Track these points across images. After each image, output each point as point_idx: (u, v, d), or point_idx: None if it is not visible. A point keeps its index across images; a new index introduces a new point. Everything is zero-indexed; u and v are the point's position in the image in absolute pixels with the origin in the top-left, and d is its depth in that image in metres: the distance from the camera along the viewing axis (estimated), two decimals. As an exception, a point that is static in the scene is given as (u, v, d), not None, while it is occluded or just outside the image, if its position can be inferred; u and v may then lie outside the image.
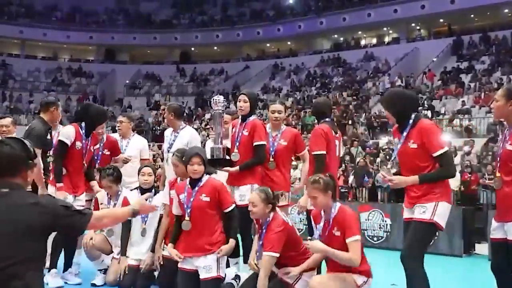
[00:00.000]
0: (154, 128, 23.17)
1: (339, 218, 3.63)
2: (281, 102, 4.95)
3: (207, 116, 24.40)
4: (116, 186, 4.91)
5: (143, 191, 4.77)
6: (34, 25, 34.18)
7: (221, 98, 4.72)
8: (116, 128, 6.08)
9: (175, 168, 4.43)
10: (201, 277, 4.05)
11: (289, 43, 34.99)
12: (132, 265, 4.77)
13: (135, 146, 5.87)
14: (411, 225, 3.63)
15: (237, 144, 4.61)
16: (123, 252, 4.77)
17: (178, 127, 5.32)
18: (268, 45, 35.65)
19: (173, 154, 4.52)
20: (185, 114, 24.19)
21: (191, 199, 4.09)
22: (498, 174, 3.58)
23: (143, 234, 4.79)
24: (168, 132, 5.46)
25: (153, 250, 4.68)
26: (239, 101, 4.67)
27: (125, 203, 4.75)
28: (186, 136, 5.27)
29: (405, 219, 3.75)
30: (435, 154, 3.57)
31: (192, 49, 37.08)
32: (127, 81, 33.87)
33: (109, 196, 4.98)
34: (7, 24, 33.16)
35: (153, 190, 4.81)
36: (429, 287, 3.51)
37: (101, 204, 4.98)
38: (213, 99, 4.69)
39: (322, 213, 3.75)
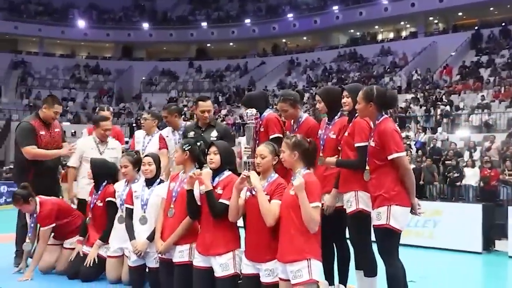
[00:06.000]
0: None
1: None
2: (283, 98, 4.38)
3: (223, 112, 24.42)
4: (133, 170, 4.90)
5: (147, 181, 4.68)
6: (52, 23, 34.63)
7: (253, 111, 4.38)
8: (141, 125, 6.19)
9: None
10: (217, 275, 3.91)
11: (305, 38, 34.80)
12: (134, 266, 4.66)
13: (157, 143, 5.84)
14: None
15: (257, 142, 4.50)
16: (132, 237, 4.61)
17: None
18: (284, 40, 35.57)
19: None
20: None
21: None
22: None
23: (142, 222, 4.58)
24: (167, 131, 5.56)
25: (149, 238, 4.50)
26: None
27: (129, 194, 4.77)
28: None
29: None
30: None
31: (208, 45, 37.16)
32: (144, 78, 34.08)
33: (126, 182, 4.96)
34: (26, 22, 33.62)
35: (157, 180, 4.69)
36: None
37: (117, 192, 5.00)
38: (245, 113, 4.46)
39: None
